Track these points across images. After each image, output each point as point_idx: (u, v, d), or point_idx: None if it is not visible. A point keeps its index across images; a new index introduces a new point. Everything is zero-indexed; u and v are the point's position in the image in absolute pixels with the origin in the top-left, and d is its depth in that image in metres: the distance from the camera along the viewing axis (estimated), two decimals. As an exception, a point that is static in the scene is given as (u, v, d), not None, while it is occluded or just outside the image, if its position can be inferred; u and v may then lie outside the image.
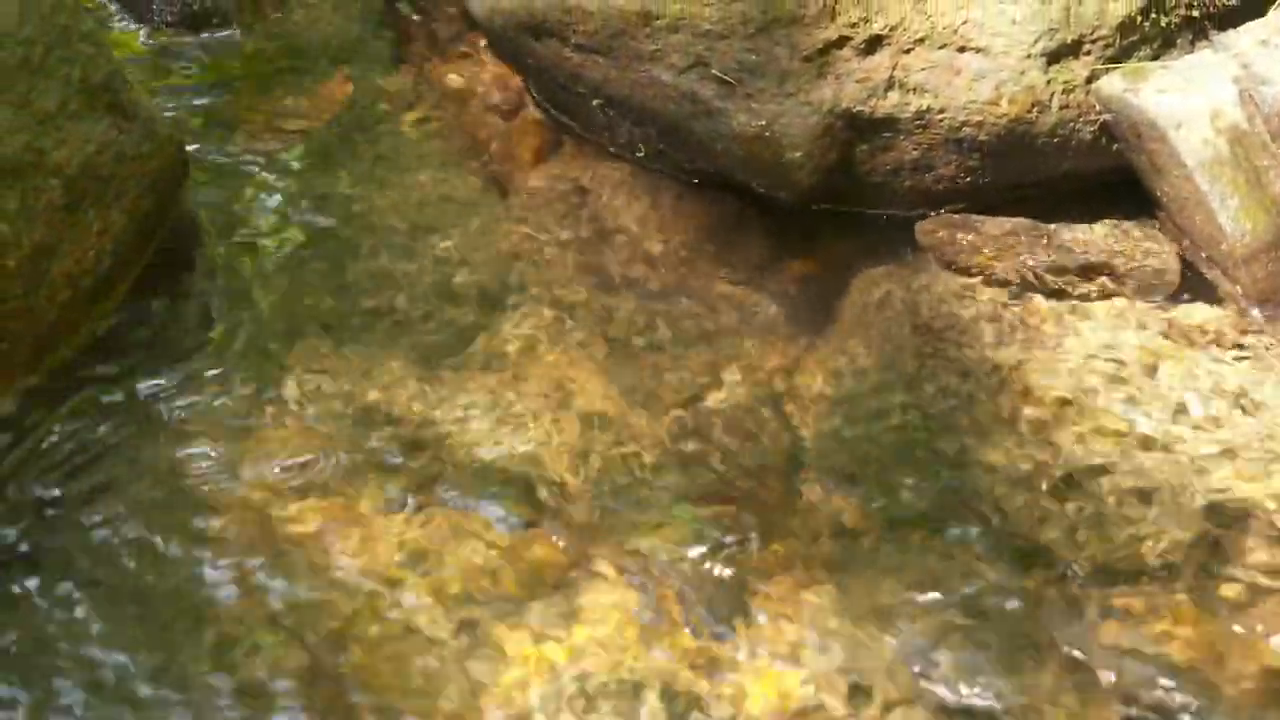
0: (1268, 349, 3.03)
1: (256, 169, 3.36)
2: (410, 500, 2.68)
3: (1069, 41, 3.20)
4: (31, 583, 2.51)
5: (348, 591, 2.52)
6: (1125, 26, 3.23)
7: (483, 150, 3.51)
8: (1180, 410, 2.90)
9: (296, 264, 3.15)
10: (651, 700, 2.40)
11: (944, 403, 2.94)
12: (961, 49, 3.18)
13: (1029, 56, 3.18)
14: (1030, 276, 3.18)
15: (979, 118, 3.20)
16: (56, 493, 2.65)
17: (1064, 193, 3.33)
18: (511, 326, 3.05)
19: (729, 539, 2.66)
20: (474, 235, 3.26)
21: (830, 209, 3.33)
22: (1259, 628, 2.54)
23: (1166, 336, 3.07)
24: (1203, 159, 3.09)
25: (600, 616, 2.52)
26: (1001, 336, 3.06)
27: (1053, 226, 3.26)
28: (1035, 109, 3.20)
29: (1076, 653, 2.50)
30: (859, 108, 3.20)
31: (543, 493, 2.72)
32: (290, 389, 2.86)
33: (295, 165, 3.40)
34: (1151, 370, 2.98)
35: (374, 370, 2.92)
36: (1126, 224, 3.28)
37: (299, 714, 2.35)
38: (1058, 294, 3.15)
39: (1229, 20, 3.28)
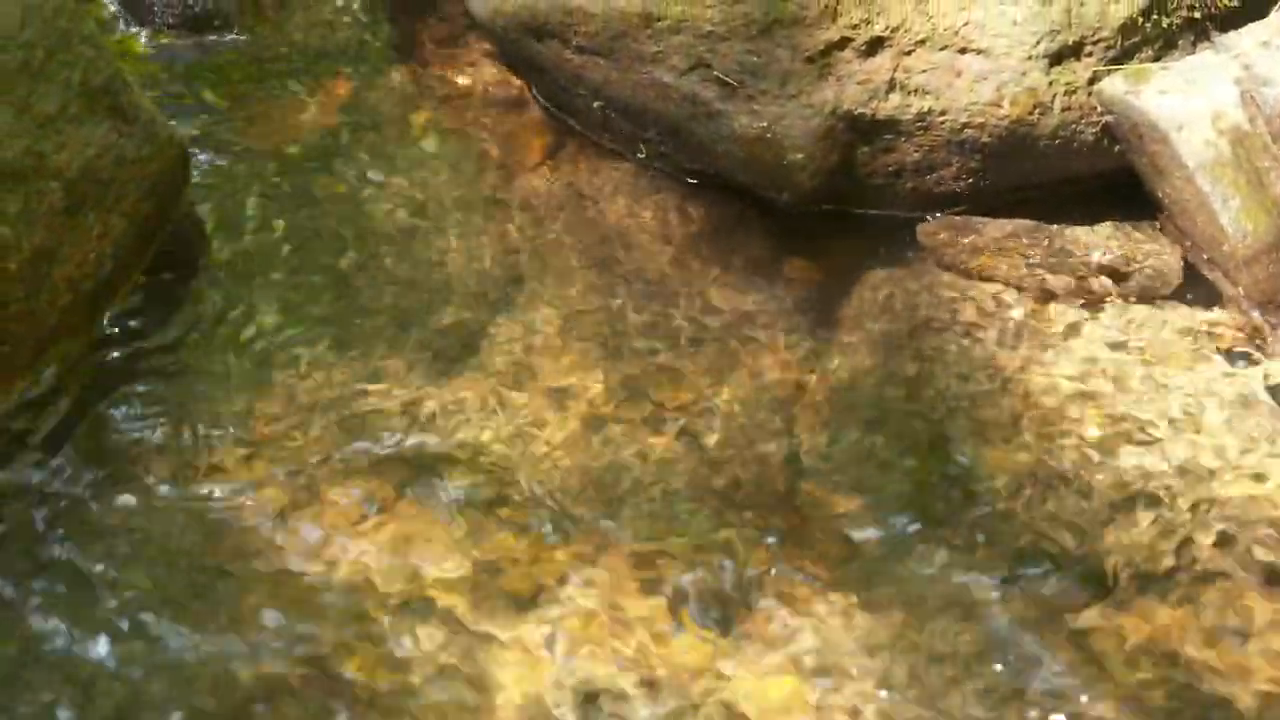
0: (1268, 350, 3.03)
1: (257, 171, 3.36)
2: (407, 499, 2.68)
3: (1070, 43, 3.20)
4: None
5: (341, 594, 2.53)
6: (1127, 28, 3.23)
7: (484, 151, 3.51)
8: (1181, 411, 2.90)
9: (297, 266, 3.16)
10: (651, 701, 2.40)
11: (945, 404, 2.94)
12: (963, 50, 3.18)
13: (1030, 58, 3.18)
14: (1031, 278, 3.18)
15: (980, 119, 3.20)
16: (57, 492, 2.66)
17: (1065, 194, 3.32)
18: (512, 327, 3.05)
19: (729, 540, 2.66)
20: (475, 236, 3.26)
21: (832, 211, 3.33)
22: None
23: (1168, 338, 3.07)
24: (1204, 160, 3.09)
25: (600, 617, 2.52)
26: (1003, 338, 3.06)
27: (1054, 228, 3.26)
28: (1037, 111, 3.20)
29: (1079, 653, 2.50)
30: (860, 109, 3.20)
31: (543, 494, 2.72)
32: (290, 389, 2.87)
33: (296, 167, 3.40)
34: (1153, 372, 2.98)
35: (375, 371, 2.92)
36: (1128, 226, 3.28)
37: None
38: (1059, 296, 3.15)
39: (1230, 22, 3.28)
